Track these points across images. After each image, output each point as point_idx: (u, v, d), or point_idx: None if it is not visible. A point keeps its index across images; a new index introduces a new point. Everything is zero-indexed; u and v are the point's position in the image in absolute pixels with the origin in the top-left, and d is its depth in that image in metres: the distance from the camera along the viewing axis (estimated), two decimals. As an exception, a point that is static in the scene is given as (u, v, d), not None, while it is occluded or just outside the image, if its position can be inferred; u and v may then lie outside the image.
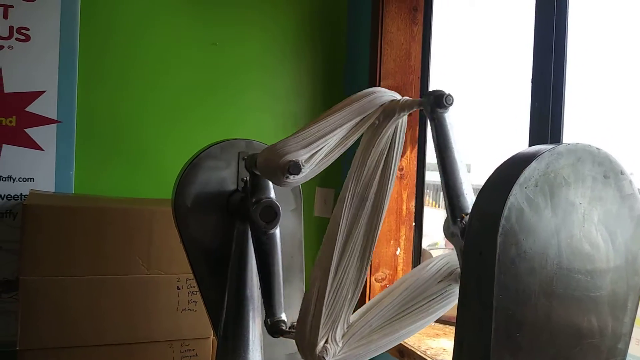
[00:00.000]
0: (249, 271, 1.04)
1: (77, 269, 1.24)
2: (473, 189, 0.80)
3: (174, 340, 1.32)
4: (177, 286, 1.32)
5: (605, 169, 0.65)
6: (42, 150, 1.43)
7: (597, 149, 0.64)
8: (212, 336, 1.36)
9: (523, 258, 0.61)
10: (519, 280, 0.62)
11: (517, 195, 0.60)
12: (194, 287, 1.34)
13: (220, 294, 1.05)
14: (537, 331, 0.64)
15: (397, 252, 1.65)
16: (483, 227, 0.63)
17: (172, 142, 1.65)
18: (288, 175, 0.78)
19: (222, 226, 1.08)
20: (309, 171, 0.81)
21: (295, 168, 0.78)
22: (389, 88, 1.76)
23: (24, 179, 1.42)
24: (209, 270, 1.08)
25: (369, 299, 1.63)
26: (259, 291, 1.04)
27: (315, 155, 0.81)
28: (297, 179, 0.81)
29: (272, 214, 0.95)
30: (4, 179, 1.40)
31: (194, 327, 1.34)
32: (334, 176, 1.87)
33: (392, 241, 1.64)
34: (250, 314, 1.04)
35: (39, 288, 1.21)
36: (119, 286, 1.28)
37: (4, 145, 1.40)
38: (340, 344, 0.82)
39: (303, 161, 0.79)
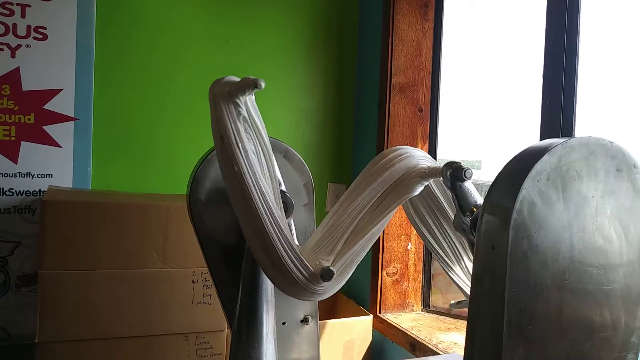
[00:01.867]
0: (262, 274, 1.04)
1: (94, 263, 1.26)
2: (484, 185, 0.81)
3: (189, 333, 1.33)
4: (192, 280, 1.34)
5: (618, 162, 0.64)
6: (60, 147, 1.46)
7: (610, 142, 0.64)
8: (226, 329, 1.37)
9: (535, 251, 0.61)
10: (531, 274, 0.61)
11: (529, 189, 0.60)
12: (208, 281, 1.35)
13: (235, 287, 1.06)
14: (550, 324, 0.63)
15: (409, 247, 1.64)
16: (495, 220, 0.63)
17: (187, 139, 1.66)
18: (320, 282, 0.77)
19: (237, 221, 1.08)
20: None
21: (327, 274, 0.77)
22: (400, 85, 1.75)
23: (42, 175, 1.45)
24: (223, 264, 1.09)
25: (380, 294, 1.63)
26: (273, 285, 1.05)
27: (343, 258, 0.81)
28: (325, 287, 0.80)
29: (284, 207, 0.96)
30: (22, 175, 1.43)
31: (209, 320, 1.35)
32: (346, 172, 1.88)
33: (403, 236, 1.63)
34: (264, 307, 1.05)
35: (57, 282, 1.23)
36: (136, 280, 1.30)
37: (22, 142, 1.43)
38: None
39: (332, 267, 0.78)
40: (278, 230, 0.80)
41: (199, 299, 1.35)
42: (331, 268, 0.77)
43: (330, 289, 0.81)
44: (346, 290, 1.85)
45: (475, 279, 0.68)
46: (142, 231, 1.31)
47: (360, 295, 1.74)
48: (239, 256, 1.08)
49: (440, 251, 0.96)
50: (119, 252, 1.28)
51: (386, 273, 1.63)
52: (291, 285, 0.80)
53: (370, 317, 1.57)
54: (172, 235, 1.33)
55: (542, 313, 0.62)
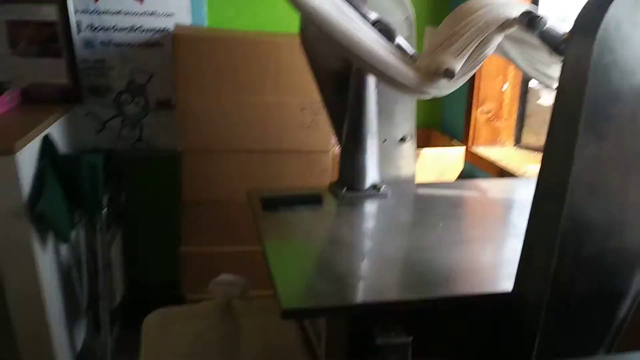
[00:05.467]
0: (367, 89, 1.24)
1: (220, 91, 1.54)
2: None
3: (300, 151, 1.63)
4: (302, 107, 1.59)
5: None
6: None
7: None
8: (330, 150, 1.65)
9: (616, 64, 0.74)
10: (611, 82, 0.75)
11: (617, 8, 0.71)
12: (316, 109, 1.60)
13: (343, 109, 1.28)
14: (624, 126, 0.79)
15: (504, 88, 1.76)
16: (582, 35, 0.76)
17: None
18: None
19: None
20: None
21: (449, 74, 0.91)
22: None
23: (165, 14, 1.68)
24: (333, 89, 1.30)
25: (474, 130, 1.81)
26: (376, 108, 1.26)
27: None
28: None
29: (389, 36, 1.12)
30: (148, 15, 1.67)
31: (316, 142, 1.62)
32: (444, 14, 1.93)
33: (499, 76, 1.75)
34: (368, 126, 1.27)
35: (191, 104, 1.53)
36: (254, 106, 1.57)
37: (146, -17, 1.65)
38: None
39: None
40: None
41: (308, 124, 1.61)
42: (453, 68, 0.94)
43: (448, 88, 0.99)
44: (440, 126, 2.03)
45: (559, 87, 0.83)
46: (258, 65, 1.54)
47: (454, 131, 1.93)
48: (347, 82, 1.28)
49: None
50: (240, 83, 1.54)
51: (480, 111, 1.78)
52: (409, 85, 0.98)
53: (463, 148, 1.77)
54: (284, 68, 1.55)
55: (617, 115, 0.77)
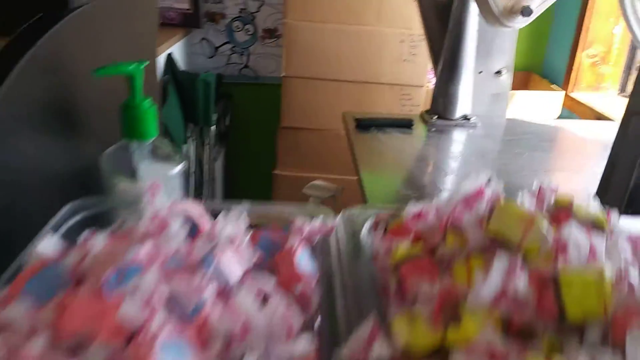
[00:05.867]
0: (468, 18, 1.28)
1: (325, 16, 1.63)
2: None
3: (395, 84, 1.69)
4: (401, 39, 1.64)
5: None
6: None
7: None
8: (425, 85, 1.70)
9: None
10: None
11: None
12: (414, 41, 1.64)
13: (443, 38, 1.33)
14: None
15: (615, 30, 1.68)
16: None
17: None
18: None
19: None
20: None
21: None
22: None
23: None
24: (436, 16, 1.35)
25: (576, 75, 1.76)
26: (475, 38, 1.29)
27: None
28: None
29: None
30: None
31: (412, 76, 1.68)
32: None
33: (611, 18, 1.67)
34: (465, 55, 1.31)
35: (298, 30, 1.64)
36: (355, 35, 1.64)
37: None
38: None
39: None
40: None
41: (405, 57, 1.66)
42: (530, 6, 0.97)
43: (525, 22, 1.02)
44: (542, 70, 1.99)
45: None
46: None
47: (555, 76, 1.88)
48: (449, 9, 1.32)
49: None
50: (343, 9, 1.62)
51: (586, 55, 1.72)
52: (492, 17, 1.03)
53: (562, 92, 1.74)
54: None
55: None
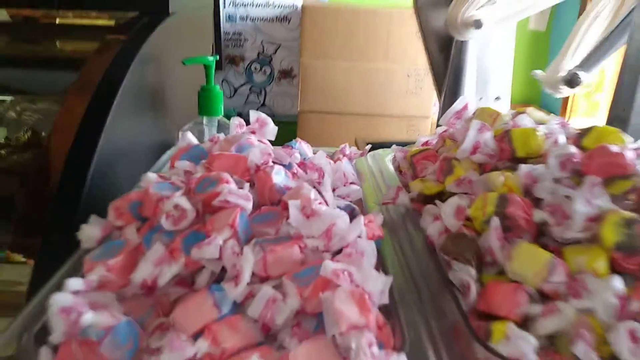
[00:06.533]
0: (468, 49, 1.48)
1: (337, 55, 1.84)
2: None
3: (402, 116, 1.88)
4: (407, 74, 1.85)
5: None
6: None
7: None
8: (430, 117, 1.89)
9: None
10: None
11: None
12: (419, 75, 1.85)
13: (446, 68, 1.53)
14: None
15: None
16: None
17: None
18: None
19: (450, 16, 1.52)
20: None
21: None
22: None
23: (295, -8, 2.03)
24: (439, 48, 1.55)
25: (572, 104, 1.95)
26: (475, 67, 1.49)
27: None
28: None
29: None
30: (283, -9, 2.03)
31: (418, 108, 1.86)
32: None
33: (602, 51, 1.88)
34: (464, 83, 1.50)
35: (312, 68, 1.85)
36: (365, 72, 1.85)
37: (280, -36, 2.01)
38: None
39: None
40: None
41: (411, 90, 1.86)
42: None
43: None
44: (539, 101, 2.19)
45: (627, 45, 1.02)
46: (372, 33, 1.82)
47: (553, 105, 2.07)
48: (451, 42, 1.52)
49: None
50: (354, 48, 1.83)
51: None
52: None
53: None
54: (393, 37, 1.81)
55: None
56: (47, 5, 0.71)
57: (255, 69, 2.12)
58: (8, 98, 0.81)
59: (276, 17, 2.06)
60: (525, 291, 0.32)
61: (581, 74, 1.12)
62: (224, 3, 2.04)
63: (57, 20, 0.75)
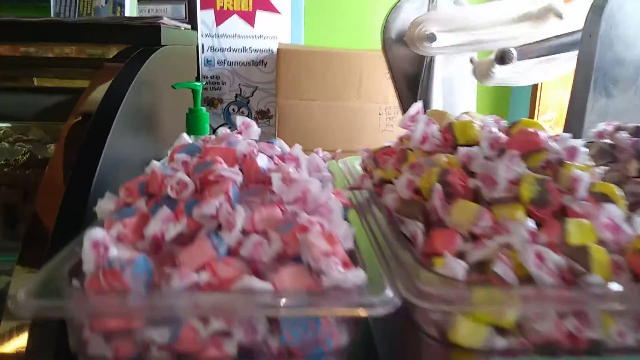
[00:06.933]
0: (433, 83, 1.62)
1: (311, 95, 1.97)
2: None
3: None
4: (379, 112, 1.98)
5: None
6: (279, 13, 2.15)
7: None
8: (404, 150, 2.01)
9: (620, 37, 1.08)
10: (616, 52, 1.08)
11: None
12: (390, 113, 1.98)
13: (415, 102, 1.66)
14: (627, 87, 1.10)
15: (564, 97, 2.06)
16: (593, 16, 1.10)
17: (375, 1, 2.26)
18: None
19: (418, 54, 1.67)
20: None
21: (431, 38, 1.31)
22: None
23: (271, 37, 2.17)
24: (407, 85, 1.69)
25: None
26: (441, 98, 1.62)
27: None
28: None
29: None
30: (258, 37, 2.17)
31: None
32: None
33: (560, 86, 2.05)
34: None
35: (288, 108, 1.97)
36: (339, 110, 1.98)
37: (257, 10, 2.16)
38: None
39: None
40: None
41: (383, 127, 1.99)
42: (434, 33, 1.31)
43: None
44: (506, 117, 2.33)
45: (579, 60, 1.16)
46: (344, 74, 1.97)
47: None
48: (418, 78, 1.66)
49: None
50: (328, 88, 1.97)
51: (542, 119, 2.08)
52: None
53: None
54: (365, 77, 1.96)
55: (623, 78, 1.09)
56: (48, 40, 0.80)
57: (234, 110, 2.23)
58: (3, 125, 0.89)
59: (252, 61, 2.19)
60: (459, 234, 0.41)
61: (513, 50, 1.25)
62: (202, 48, 2.17)
63: (55, 53, 0.84)
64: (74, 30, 0.79)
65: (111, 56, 0.76)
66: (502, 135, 0.49)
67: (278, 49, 1.95)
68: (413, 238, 0.42)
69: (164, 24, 0.79)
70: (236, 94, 2.22)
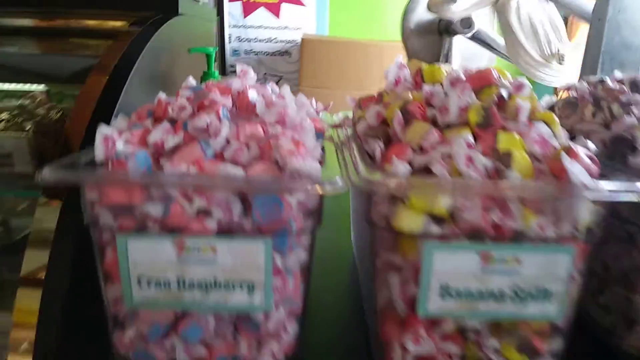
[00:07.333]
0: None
1: (333, 84, 2.06)
2: None
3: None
4: (399, 101, 2.06)
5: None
6: (304, 5, 2.26)
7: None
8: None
9: (627, 21, 1.13)
10: (623, 36, 1.14)
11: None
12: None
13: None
14: (634, 70, 1.16)
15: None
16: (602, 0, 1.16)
17: None
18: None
19: (435, 43, 1.74)
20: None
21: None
22: None
23: (295, 28, 2.28)
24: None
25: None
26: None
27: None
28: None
29: (469, 23, 1.57)
30: (283, 28, 2.28)
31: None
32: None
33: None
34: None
35: (310, 96, 2.07)
36: (359, 99, 2.07)
37: (282, 3, 2.27)
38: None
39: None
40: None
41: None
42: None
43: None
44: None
45: (586, 44, 1.22)
46: (365, 63, 2.06)
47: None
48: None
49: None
50: (349, 77, 2.06)
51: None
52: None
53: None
54: (385, 67, 2.05)
55: (629, 62, 1.15)
56: (69, 6, 0.92)
57: (258, 99, 2.34)
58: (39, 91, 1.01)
59: (278, 51, 2.30)
60: (410, 147, 0.49)
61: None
62: (230, 39, 2.29)
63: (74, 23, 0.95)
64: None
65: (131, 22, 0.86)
66: (462, 75, 0.56)
67: (302, 39, 2.06)
68: (373, 153, 0.51)
69: (181, -6, 0.89)
70: (261, 84, 2.34)
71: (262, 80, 2.22)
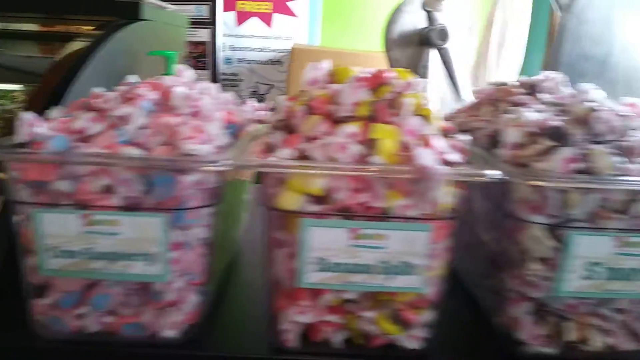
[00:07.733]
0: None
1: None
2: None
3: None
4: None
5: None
6: (296, 16, 2.35)
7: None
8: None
9: (587, 34, 1.19)
10: (583, 47, 1.20)
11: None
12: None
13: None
14: (592, 81, 1.21)
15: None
16: (564, 11, 1.22)
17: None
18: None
19: (417, 55, 1.81)
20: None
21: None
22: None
23: (287, 38, 2.37)
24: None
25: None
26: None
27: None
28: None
29: (445, 35, 1.64)
30: (275, 37, 2.37)
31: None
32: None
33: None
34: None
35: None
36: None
37: (273, 13, 2.36)
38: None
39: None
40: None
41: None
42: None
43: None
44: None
45: (546, 53, 1.28)
46: (352, 73, 2.14)
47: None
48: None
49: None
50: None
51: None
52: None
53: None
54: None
55: (589, 73, 1.21)
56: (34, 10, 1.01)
57: (250, 107, 2.43)
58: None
59: (270, 60, 2.39)
60: (304, 137, 0.56)
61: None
62: (223, 47, 2.38)
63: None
64: (60, 2, 0.99)
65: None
66: (368, 75, 0.64)
67: (292, 48, 2.14)
68: (276, 142, 0.58)
69: (145, 0, 0.98)
70: (252, 91, 2.42)
71: (254, 88, 2.30)
